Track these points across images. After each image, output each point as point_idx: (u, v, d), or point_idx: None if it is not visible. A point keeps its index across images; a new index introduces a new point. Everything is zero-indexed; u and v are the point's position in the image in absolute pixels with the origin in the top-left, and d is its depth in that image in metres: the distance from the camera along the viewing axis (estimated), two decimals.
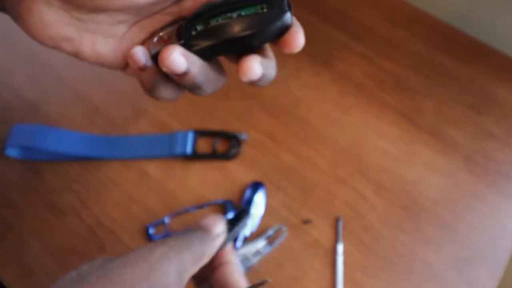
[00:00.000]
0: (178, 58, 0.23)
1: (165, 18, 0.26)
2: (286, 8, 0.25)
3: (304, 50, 0.57)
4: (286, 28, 0.25)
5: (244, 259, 0.43)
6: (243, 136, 0.49)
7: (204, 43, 0.23)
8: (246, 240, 0.44)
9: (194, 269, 0.25)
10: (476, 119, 0.52)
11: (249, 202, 0.45)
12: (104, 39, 0.25)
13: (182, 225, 0.45)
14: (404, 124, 0.51)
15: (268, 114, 0.52)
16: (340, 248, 0.44)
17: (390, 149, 0.50)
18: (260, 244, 0.44)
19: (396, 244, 0.45)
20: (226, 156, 0.48)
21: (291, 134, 0.50)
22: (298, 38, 0.26)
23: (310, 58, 0.56)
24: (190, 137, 0.48)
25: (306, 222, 0.45)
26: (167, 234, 0.44)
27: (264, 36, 0.25)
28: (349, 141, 0.50)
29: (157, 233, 0.44)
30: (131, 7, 0.24)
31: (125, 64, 0.27)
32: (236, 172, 0.48)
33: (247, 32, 0.23)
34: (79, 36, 0.25)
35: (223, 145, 0.49)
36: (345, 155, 0.49)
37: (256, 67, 0.24)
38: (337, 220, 0.45)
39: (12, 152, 0.47)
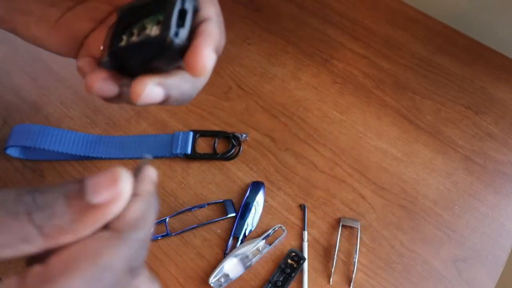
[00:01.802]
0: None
1: (100, 6, 0.27)
2: (170, 30, 0.21)
3: (304, 50, 0.58)
4: (175, 51, 0.22)
5: (244, 258, 0.43)
6: (243, 136, 0.49)
7: (118, 65, 0.23)
8: (246, 240, 0.44)
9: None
10: (475, 119, 0.52)
11: (249, 202, 0.46)
12: (37, 21, 0.26)
13: (182, 224, 0.45)
14: (403, 124, 0.52)
15: (268, 114, 0.52)
16: (305, 234, 0.44)
17: (389, 149, 0.50)
18: (260, 243, 0.44)
19: (395, 243, 0.45)
20: (226, 156, 0.48)
21: (291, 134, 0.50)
22: (198, 61, 0.21)
23: (310, 58, 0.56)
24: (190, 137, 0.49)
25: (301, 206, 0.45)
26: (167, 234, 0.44)
27: (153, 65, 0.22)
28: (348, 141, 0.50)
29: (157, 233, 0.44)
30: None
31: (74, 53, 0.27)
32: (236, 172, 0.48)
33: (142, 62, 0.22)
34: (9, 15, 0.25)
35: (223, 145, 0.50)
36: (344, 155, 0.49)
37: (148, 90, 0.21)
38: (302, 207, 0.46)
39: (13, 152, 0.47)
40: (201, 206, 0.46)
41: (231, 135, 0.49)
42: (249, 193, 0.46)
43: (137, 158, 0.48)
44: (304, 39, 0.57)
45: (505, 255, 0.45)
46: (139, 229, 0.19)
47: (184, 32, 0.21)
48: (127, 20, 0.23)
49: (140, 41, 0.21)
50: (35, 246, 0.17)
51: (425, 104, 0.53)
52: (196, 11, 0.23)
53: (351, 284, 0.43)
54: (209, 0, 0.24)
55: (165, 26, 0.21)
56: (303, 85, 0.54)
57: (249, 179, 0.48)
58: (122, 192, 0.19)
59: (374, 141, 0.50)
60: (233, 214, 0.45)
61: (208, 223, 0.45)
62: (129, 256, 0.18)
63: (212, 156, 0.48)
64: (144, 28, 0.22)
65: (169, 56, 0.21)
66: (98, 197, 0.18)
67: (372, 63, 0.56)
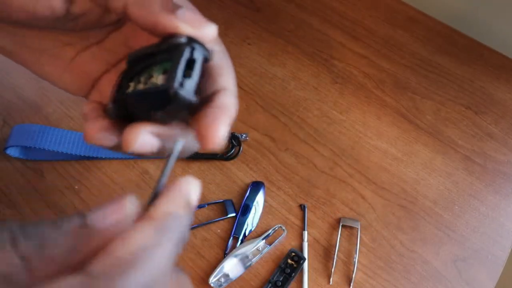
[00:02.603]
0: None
1: (116, 48, 0.26)
2: (174, 81, 0.20)
3: (304, 50, 0.58)
4: (180, 103, 0.20)
5: (244, 258, 0.43)
6: (243, 136, 0.49)
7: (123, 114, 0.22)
8: (246, 240, 0.44)
9: None
10: (474, 119, 0.52)
11: (249, 202, 0.46)
12: (51, 59, 0.25)
13: None
14: (403, 124, 0.52)
15: (268, 114, 0.52)
16: (305, 234, 0.44)
17: (389, 149, 0.50)
18: (260, 243, 0.44)
19: (395, 243, 0.45)
20: (226, 156, 0.48)
21: (291, 134, 0.50)
22: (212, 137, 0.20)
23: (310, 58, 0.56)
24: None
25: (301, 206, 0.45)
26: None
27: (157, 116, 0.21)
28: (348, 141, 0.50)
29: None
30: (30, 16, 0.22)
31: (85, 93, 0.27)
32: (236, 172, 0.48)
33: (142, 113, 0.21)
34: (18, 49, 0.25)
35: (223, 145, 0.50)
36: (344, 155, 0.49)
37: (141, 138, 0.20)
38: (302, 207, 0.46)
39: (13, 152, 0.47)
40: (201, 206, 0.46)
41: (231, 135, 0.49)
42: (249, 193, 0.46)
43: (137, 158, 0.48)
44: (304, 39, 0.57)
45: (505, 255, 0.45)
46: (133, 270, 0.15)
47: (190, 84, 0.20)
48: (137, 66, 0.22)
49: (145, 90, 0.20)
50: (15, 284, 0.14)
51: (425, 104, 0.53)
52: (207, 61, 0.22)
53: (351, 284, 0.43)
54: (227, 67, 0.23)
55: (171, 76, 0.20)
56: (303, 85, 0.54)
57: (249, 179, 0.48)
58: (126, 215, 0.17)
59: (374, 141, 0.50)
60: (233, 214, 0.45)
61: (208, 223, 0.45)
62: None
63: (212, 156, 0.48)
64: (151, 76, 0.21)
65: (173, 108, 0.20)
66: (101, 222, 0.16)
67: (372, 63, 0.56)
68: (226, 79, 0.23)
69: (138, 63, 0.22)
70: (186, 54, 0.20)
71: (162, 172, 0.20)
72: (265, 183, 0.47)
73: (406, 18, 0.59)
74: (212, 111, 0.21)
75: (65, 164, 0.48)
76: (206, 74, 0.22)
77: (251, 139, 0.50)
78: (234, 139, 0.49)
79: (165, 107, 0.20)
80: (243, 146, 0.49)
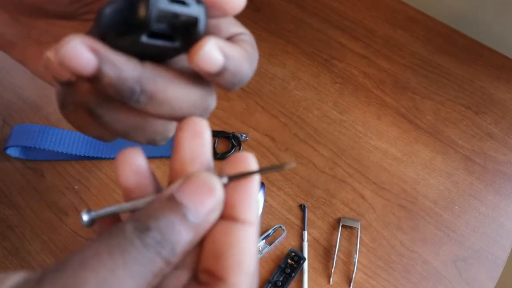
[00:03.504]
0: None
1: None
2: None
3: (304, 50, 0.58)
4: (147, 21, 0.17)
5: None
6: (243, 136, 0.49)
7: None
8: None
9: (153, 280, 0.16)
10: (474, 119, 0.52)
11: None
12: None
13: None
14: (403, 124, 0.52)
15: (268, 114, 0.52)
16: (305, 234, 0.44)
17: (389, 149, 0.50)
18: (260, 243, 0.44)
19: (395, 243, 0.45)
20: (226, 156, 0.48)
21: (291, 134, 0.50)
22: (198, 47, 0.18)
23: (310, 58, 0.56)
24: None
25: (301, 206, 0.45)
26: None
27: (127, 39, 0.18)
28: (348, 141, 0.50)
29: None
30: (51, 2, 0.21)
31: None
32: None
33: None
34: (22, 41, 0.24)
35: (223, 145, 0.50)
36: (344, 155, 0.49)
37: (209, 50, 0.18)
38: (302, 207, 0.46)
39: (13, 152, 0.47)
40: None
41: (231, 135, 0.49)
42: None
43: None
44: (304, 39, 0.57)
45: (505, 255, 0.45)
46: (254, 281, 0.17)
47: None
48: None
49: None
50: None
51: (425, 104, 0.53)
52: None
53: (351, 284, 0.43)
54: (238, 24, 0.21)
55: None
56: (303, 85, 0.54)
57: None
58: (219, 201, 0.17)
59: (374, 141, 0.50)
60: None
61: None
62: None
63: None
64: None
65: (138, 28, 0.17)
66: (202, 211, 0.16)
67: (372, 63, 0.56)
68: (239, 28, 0.22)
69: None
70: None
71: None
72: (265, 183, 0.47)
73: (406, 18, 0.59)
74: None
75: (65, 164, 0.48)
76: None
77: (251, 139, 0.50)
78: (234, 139, 0.49)
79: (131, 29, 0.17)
80: (243, 146, 0.49)
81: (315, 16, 0.59)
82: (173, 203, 0.16)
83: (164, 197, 0.17)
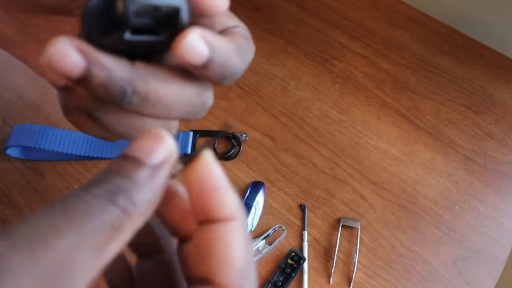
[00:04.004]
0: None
1: None
2: None
3: (304, 50, 0.58)
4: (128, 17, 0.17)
5: None
6: (243, 136, 0.49)
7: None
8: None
9: (105, 253, 0.14)
10: (475, 119, 0.52)
11: (249, 202, 0.46)
12: None
13: None
14: (403, 124, 0.52)
15: (268, 114, 0.52)
16: (305, 234, 0.44)
17: (389, 149, 0.50)
18: (260, 243, 0.44)
19: (395, 243, 0.45)
20: (226, 156, 0.48)
21: (291, 134, 0.50)
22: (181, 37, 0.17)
23: (310, 58, 0.56)
24: (190, 137, 0.49)
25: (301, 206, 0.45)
26: None
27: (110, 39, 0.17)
28: (348, 141, 0.50)
29: None
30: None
31: None
32: (236, 172, 0.48)
33: None
34: (21, 39, 0.24)
35: (223, 145, 0.50)
36: (344, 155, 0.49)
37: (192, 41, 0.17)
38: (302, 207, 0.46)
39: (13, 152, 0.47)
40: None
41: (231, 135, 0.49)
42: (249, 193, 0.46)
43: None
44: (304, 39, 0.57)
45: (505, 255, 0.45)
46: (252, 279, 0.16)
47: None
48: None
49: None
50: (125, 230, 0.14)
51: (425, 104, 0.53)
52: None
53: (351, 284, 0.43)
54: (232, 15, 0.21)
55: None
56: (303, 85, 0.54)
57: (249, 179, 0.48)
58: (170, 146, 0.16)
59: (374, 141, 0.50)
60: None
61: None
62: None
63: None
64: None
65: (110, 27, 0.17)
66: (154, 158, 0.15)
67: (372, 63, 0.56)
68: (232, 21, 0.21)
69: None
70: None
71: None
72: (265, 183, 0.47)
73: (406, 18, 0.59)
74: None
75: (65, 164, 0.48)
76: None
77: (251, 139, 0.50)
78: (234, 139, 0.49)
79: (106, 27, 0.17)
80: (243, 146, 0.49)
81: (315, 16, 0.59)
82: (124, 159, 0.15)
83: (116, 159, 0.16)
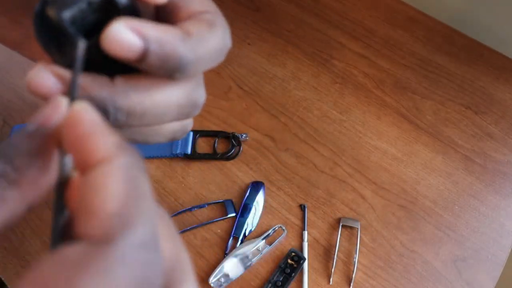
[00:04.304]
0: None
1: None
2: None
3: (304, 50, 0.58)
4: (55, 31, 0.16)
5: (244, 258, 0.43)
6: (243, 136, 0.49)
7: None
8: (246, 240, 0.44)
9: None
10: (475, 119, 0.52)
11: (249, 202, 0.46)
12: None
13: (182, 224, 0.45)
14: (403, 124, 0.52)
15: (268, 114, 0.52)
16: (305, 234, 0.44)
17: (389, 149, 0.50)
18: (260, 243, 0.44)
19: (395, 243, 0.45)
20: (226, 156, 0.48)
21: (291, 134, 0.50)
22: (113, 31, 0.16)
23: (310, 58, 0.56)
24: (190, 137, 0.49)
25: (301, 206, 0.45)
26: None
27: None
28: (348, 141, 0.50)
29: None
30: None
31: None
32: (236, 172, 0.48)
33: None
34: (27, 41, 0.25)
35: (223, 145, 0.50)
36: (344, 155, 0.49)
37: (119, 34, 0.16)
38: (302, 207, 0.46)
39: None
40: (201, 206, 0.46)
41: (231, 135, 0.49)
42: (249, 193, 0.46)
43: None
44: (304, 39, 0.57)
45: (505, 255, 0.45)
46: (131, 227, 0.13)
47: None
48: None
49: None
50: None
51: (425, 104, 0.53)
52: None
53: (351, 284, 0.43)
54: None
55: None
56: (303, 85, 0.54)
57: (249, 179, 0.48)
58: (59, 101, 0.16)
59: (374, 141, 0.50)
60: (233, 214, 0.45)
61: (208, 223, 0.45)
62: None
63: (212, 156, 0.48)
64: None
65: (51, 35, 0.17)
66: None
67: (372, 63, 0.56)
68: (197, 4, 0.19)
69: None
70: None
71: (73, 85, 0.16)
72: (265, 183, 0.47)
73: (406, 18, 0.59)
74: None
75: None
76: None
77: (251, 139, 0.50)
78: (234, 139, 0.49)
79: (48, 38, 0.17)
80: (243, 146, 0.49)
81: (315, 16, 0.59)
82: None
83: None
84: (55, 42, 0.17)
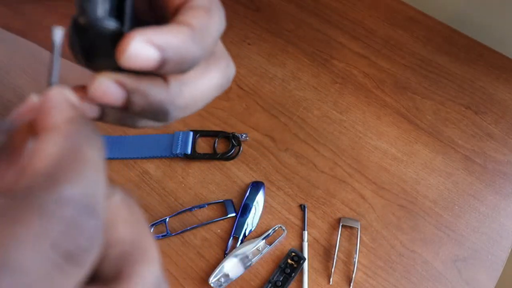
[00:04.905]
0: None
1: None
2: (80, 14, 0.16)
3: (304, 50, 0.58)
4: (95, 38, 0.17)
5: (244, 258, 0.43)
6: (243, 136, 0.49)
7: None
8: (246, 240, 0.44)
9: None
10: (475, 119, 0.52)
11: (249, 202, 0.46)
12: None
13: (182, 224, 0.45)
14: (403, 124, 0.52)
15: (268, 114, 0.52)
16: (305, 234, 0.44)
17: (389, 149, 0.50)
18: (260, 243, 0.44)
19: (395, 243, 0.45)
20: (226, 156, 0.48)
21: (291, 134, 0.50)
22: (125, 42, 0.16)
23: (310, 58, 0.56)
24: (190, 137, 0.49)
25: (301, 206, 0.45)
26: (167, 234, 0.44)
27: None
28: (348, 141, 0.50)
29: (157, 233, 0.44)
30: None
31: None
32: (236, 172, 0.48)
33: None
34: (30, 29, 0.26)
35: (223, 145, 0.50)
36: (344, 155, 0.49)
37: (136, 48, 0.16)
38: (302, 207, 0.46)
39: None
40: (201, 206, 0.46)
41: (231, 135, 0.49)
42: (249, 193, 0.46)
43: (137, 158, 0.48)
44: (304, 39, 0.57)
45: (505, 255, 0.45)
46: (58, 185, 0.12)
47: (100, 5, 0.16)
48: None
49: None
50: None
51: (425, 104, 0.53)
52: None
53: (351, 284, 0.43)
54: None
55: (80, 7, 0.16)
56: (303, 85, 0.54)
57: (249, 179, 0.48)
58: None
59: (374, 141, 0.50)
60: (233, 214, 0.45)
61: (208, 223, 0.45)
62: (49, 236, 0.12)
63: (212, 156, 0.48)
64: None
65: (88, 43, 0.17)
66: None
67: (372, 63, 0.56)
68: None
69: None
70: None
71: (51, 71, 0.17)
72: (265, 183, 0.47)
73: (406, 18, 0.59)
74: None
75: None
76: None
77: (251, 139, 0.50)
78: (234, 139, 0.49)
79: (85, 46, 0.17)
80: (243, 146, 0.49)
81: (315, 16, 0.59)
82: None
83: None
84: (92, 47, 0.18)
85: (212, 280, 0.42)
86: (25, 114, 0.16)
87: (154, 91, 0.18)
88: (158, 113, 0.18)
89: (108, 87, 0.17)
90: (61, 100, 0.15)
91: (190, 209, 0.46)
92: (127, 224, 0.15)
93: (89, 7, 0.16)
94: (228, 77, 0.21)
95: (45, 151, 0.13)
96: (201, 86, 0.19)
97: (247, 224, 0.45)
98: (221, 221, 0.45)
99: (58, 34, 0.17)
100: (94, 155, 0.14)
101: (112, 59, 0.17)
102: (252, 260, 0.43)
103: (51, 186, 0.12)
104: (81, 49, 0.18)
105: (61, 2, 0.25)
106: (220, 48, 0.21)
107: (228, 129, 0.50)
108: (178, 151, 0.48)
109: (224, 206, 0.46)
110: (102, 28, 0.17)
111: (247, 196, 0.46)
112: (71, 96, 0.16)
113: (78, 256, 0.12)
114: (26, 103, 0.16)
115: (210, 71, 0.20)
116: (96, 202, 0.13)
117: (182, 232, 0.45)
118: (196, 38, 0.17)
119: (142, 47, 0.16)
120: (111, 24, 0.17)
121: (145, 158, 0.49)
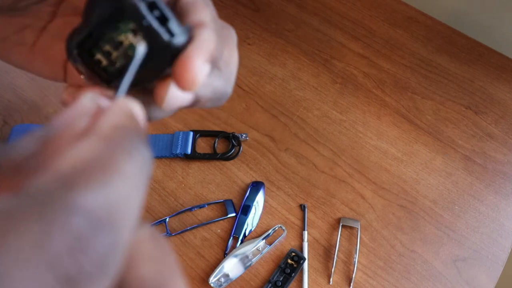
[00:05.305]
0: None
1: (71, 20, 0.24)
2: (160, 34, 0.18)
3: (304, 50, 0.58)
4: (173, 53, 0.18)
5: (244, 258, 0.43)
6: (243, 136, 0.49)
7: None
8: (246, 240, 0.44)
9: None
10: (475, 119, 0.52)
11: (249, 202, 0.46)
12: (14, 46, 0.24)
13: (182, 224, 0.45)
14: (403, 124, 0.52)
15: (268, 114, 0.52)
16: (305, 234, 0.44)
17: (389, 149, 0.50)
18: (260, 243, 0.44)
19: (395, 243, 0.45)
20: (226, 156, 0.48)
21: (291, 134, 0.50)
22: (187, 73, 0.17)
23: (310, 58, 0.56)
24: (190, 137, 0.49)
25: (302, 206, 0.45)
26: (167, 234, 0.44)
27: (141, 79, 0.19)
28: (348, 141, 0.50)
29: None
30: None
31: (63, 78, 0.25)
32: (236, 172, 0.48)
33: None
34: (2, 46, 0.24)
35: (223, 145, 0.50)
36: (344, 155, 0.49)
37: (173, 93, 0.18)
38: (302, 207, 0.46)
39: None
40: (201, 206, 0.46)
41: (231, 135, 0.49)
42: (249, 193, 0.46)
43: None
44: (304, 39, 0.57)
45: (505, 255, 0.45)
46: (83, 186, 0.11)
47: (175, 27, 0.18)
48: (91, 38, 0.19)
49: (132, 59, 0.18)
50: None
51: (425, 104, 0.53)
52: None
53: (351, 284, 0.43)
54: (201, 2, 0.20)
55: (150, 32, 0.17)
56: (303, 85, 0.54)
57: (249, 179, 0.48)
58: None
59: (374, 141, 0.50)
60: (233, 214, 0.45)
61: (208, 223, 0.45)
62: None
63: (212, 156, 0.48)
64: (118, 43, 0.18)
65: (163, 62, 0.18)
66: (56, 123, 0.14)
67: (372, 63, 0.56)
68: (201, 14, 0.19)
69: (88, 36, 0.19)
70: (141, 4, 0.17)
71: (122, 81, 0.17)
72: (265, 183, 0.47)
73: (406, 18, 0.59)
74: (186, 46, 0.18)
75: None
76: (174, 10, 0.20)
77: (251, 139, 0.50)
78: (234, 139, 0.49)
79: (155, 65, 0.18)
80: (243, 146, 0.49)
81: (315, 16, 0.59)
82: None
83: None
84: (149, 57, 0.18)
85: (212, 280, 0.42)
86: (72, 118, 0.14)
87: (215, 80, 0.20)
88: (222, 98, 0.21)
89: (177, 93, 0.18)
90: (121, 107, 0.15)
91: (190, 209, 0.46)
92: (153, 262, 0.13)
93: (171, 29, 0.18)
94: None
95: (75, 152, 0.12)
96: (234, 60, 0.21)
97: (247, 224, 0.45)
98: (221, 221, 0.45)
99: (141, 49, 0.18)
100: (130, 168, 0.12)
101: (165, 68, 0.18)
102: (252, 260, 0.43)
103: (64, 190, 0.10)
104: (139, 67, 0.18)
105: (28, 14, 0.24)
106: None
107: (228, 129, 0.50)
108: (178, 151, 0.48)
109: (224, 206, 0.46)
110: (180, 44, 0.18)
111: (247, 196, 0.46)
112: (135, 107, 0.15)
113: (79, 283, 0.10)
114: (76, 105, 0.15)
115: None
116: (116, 219, 0.11)
117: (182, 232, 0.45)
118: (221, 74, 0.21)
119: (174, 91, 0.18)
120: (182, 39, 0.18)
121: None
